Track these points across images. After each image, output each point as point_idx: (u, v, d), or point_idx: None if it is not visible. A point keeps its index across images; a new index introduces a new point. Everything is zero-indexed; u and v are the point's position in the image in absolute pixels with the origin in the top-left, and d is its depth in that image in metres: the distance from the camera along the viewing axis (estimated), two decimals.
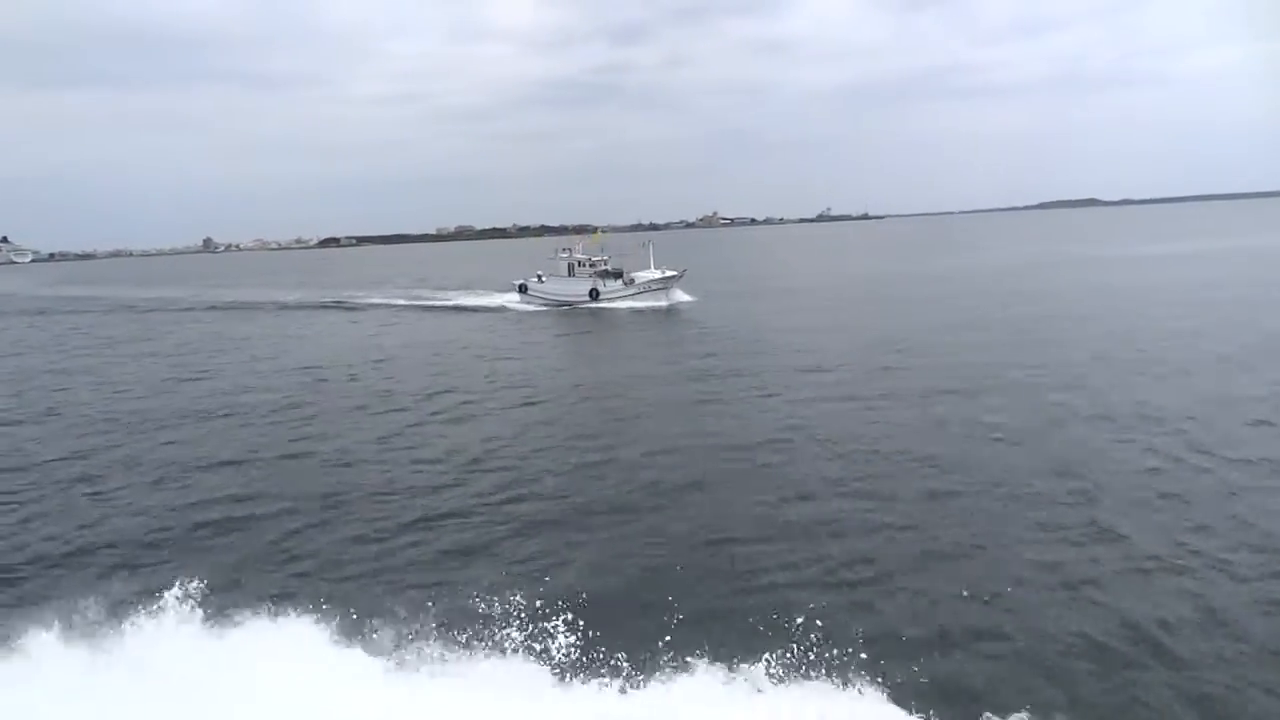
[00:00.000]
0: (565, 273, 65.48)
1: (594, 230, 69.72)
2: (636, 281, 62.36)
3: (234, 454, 23.34)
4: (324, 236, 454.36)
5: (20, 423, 29.16)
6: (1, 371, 42.23)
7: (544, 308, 64.32)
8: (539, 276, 66.99)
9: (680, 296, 62.01)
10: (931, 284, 69.61)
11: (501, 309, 65.73)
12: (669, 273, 63.22)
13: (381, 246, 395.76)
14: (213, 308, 77.84)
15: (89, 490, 20.55)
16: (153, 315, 73.19)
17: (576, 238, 73.03)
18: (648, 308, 59.85)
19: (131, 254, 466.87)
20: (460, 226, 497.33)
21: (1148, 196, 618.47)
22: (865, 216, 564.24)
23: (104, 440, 25.80)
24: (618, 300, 62.22)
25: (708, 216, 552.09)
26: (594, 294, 62.84)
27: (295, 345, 48.00)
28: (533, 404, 29.18)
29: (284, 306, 75.06)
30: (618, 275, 63.92)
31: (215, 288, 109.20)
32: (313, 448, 23.85)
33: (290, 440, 24.85)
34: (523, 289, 67.54)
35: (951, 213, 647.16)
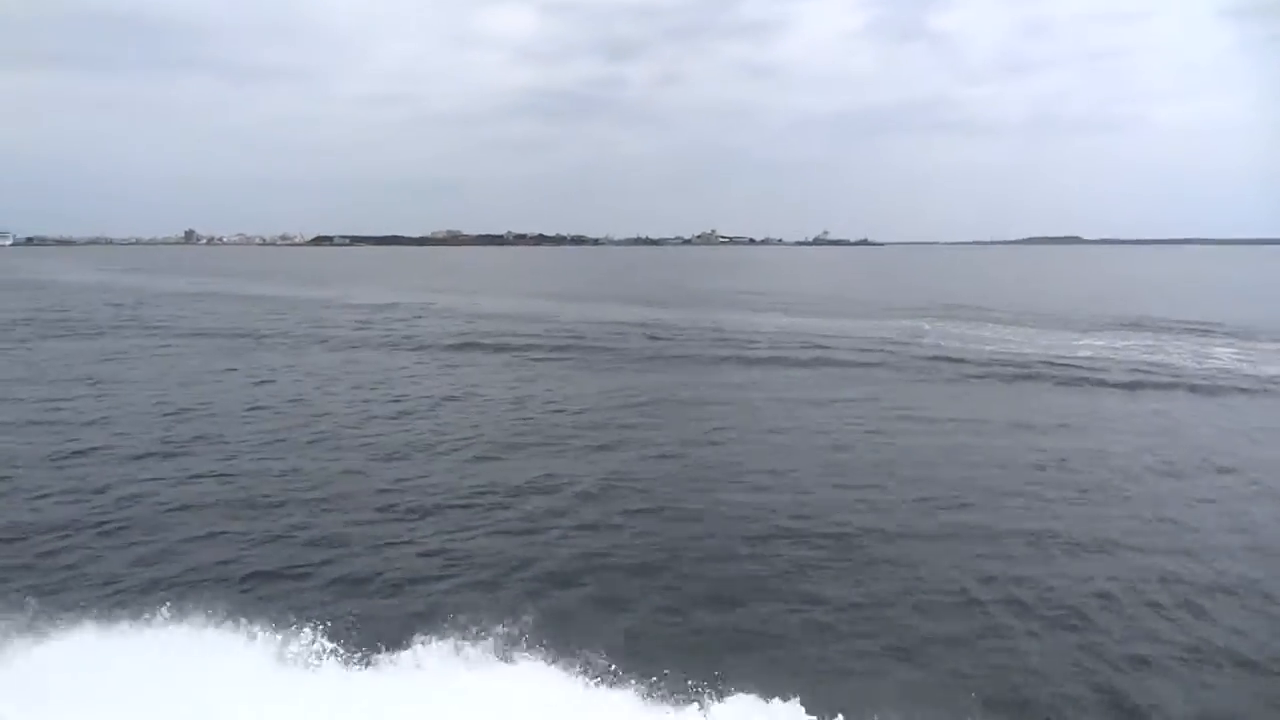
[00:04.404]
0: None
1: None
2: None
3: None
4: (314, 235, 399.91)
5: None
6: None
7: None
8: None
9: None
10: None
11: None
12: None
13: (377, 248, 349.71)
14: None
15: None
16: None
17: None
18: None
19: (111, 242, 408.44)
20: (450, 231, 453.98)
21: (1128, 237, 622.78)
22: (865, 242, 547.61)
23: None
24: None
25: (706, 234, 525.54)
26: None
27: None
28: None
29: None
30: None
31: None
32: None
33: None
34: None
35: (938, 243, 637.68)
